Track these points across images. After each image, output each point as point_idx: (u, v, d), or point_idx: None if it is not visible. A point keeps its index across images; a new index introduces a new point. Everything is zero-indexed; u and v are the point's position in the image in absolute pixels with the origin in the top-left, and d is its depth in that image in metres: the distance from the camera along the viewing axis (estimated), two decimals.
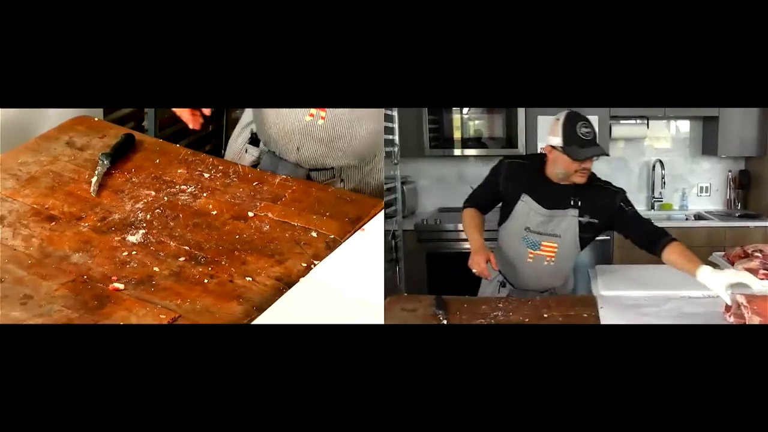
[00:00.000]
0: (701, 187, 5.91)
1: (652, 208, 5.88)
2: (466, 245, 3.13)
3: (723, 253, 3.24)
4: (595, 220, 3.02)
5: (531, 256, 3.09)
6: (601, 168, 5.74)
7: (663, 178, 5.80)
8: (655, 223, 3.00)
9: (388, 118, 4.70)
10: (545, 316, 2.64)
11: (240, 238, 2.31)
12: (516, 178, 3.08)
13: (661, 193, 5.86)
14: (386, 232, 4.54)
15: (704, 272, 2.63)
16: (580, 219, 3.01)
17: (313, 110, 2.63)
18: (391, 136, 4.72)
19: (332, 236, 2.33)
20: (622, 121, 5.65)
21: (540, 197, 3.03)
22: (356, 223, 2.39)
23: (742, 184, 5.77)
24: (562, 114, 2.94)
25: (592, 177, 3.03)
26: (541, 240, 3.05)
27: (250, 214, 2.41)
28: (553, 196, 3.02)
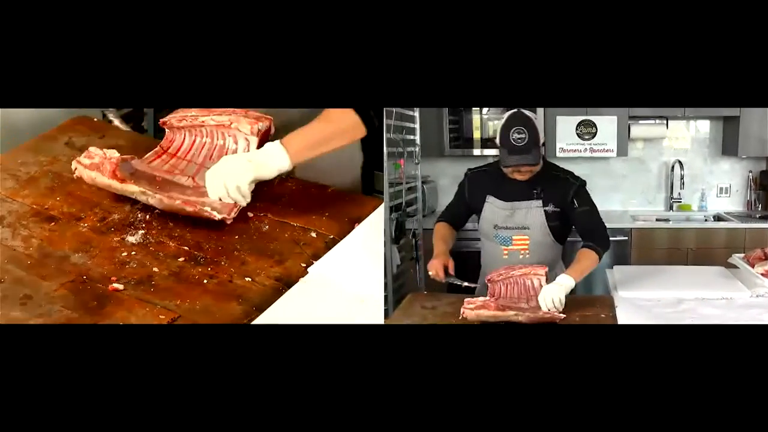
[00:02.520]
0: (721, 188, 5.85)
1: (671, 208, 5.83)
2: None
3: (743, 255, 3.21)
4: (558, 209, 3.06)
5: (505, 252, 3.13)
6: (619, 168, 5.78)
7: (682, 178, 5.75)
8: (608, 226, 3.10)
9: (409, 119, 4.70)
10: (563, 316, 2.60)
11: (239, 239, 2.29)
12: (479, 185, 3.21)
13: (680, 193, 5.80)
14: (407, 230, 4.55)
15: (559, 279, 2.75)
16: (545, 209, 3.06)
17: None
18: (412, 136, 4.73)
19: (332, 236, 2.32)
20: (641, 122, 5.61)
21: (502, 194, 3.11)
22: (356, 223, 2.37)
23: (763, 185, 5.71)
24: (506, 114, 3.01)
25: (550, 166, 3.14)
26: (512, 235, 3.10)
27: (250, 214, 2.38)
28: (515, 191, 3.09)
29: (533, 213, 3.06)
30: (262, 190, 2.46)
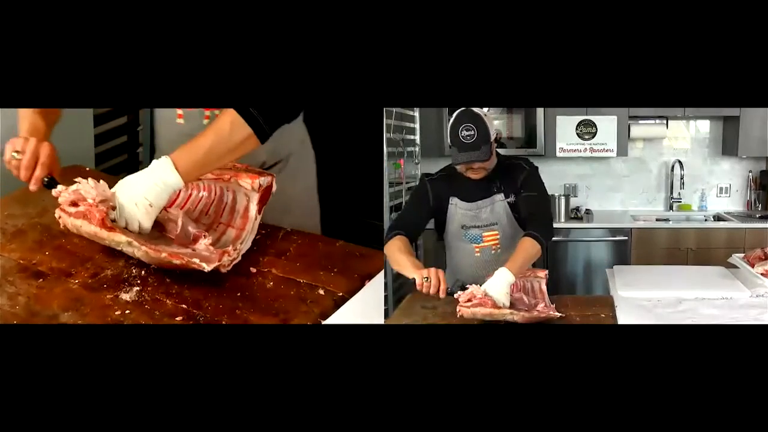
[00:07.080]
0: (721, 188, 5.86)
1: (671, 208, 5.84)
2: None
3: (743, 254, 3.21)
4: (516, 198, 3.09)
5: (477, 250, 3.16)
6: (619, 168, 5.79)
7: (682, 178, 5.76)
8: (556, 221, 3.02)
9: (409, 119, 4.71)
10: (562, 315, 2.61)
11: (241, 296, 2.13)
12: (442, 189, 3.18)
13: (680, 193, 5.81)
14: None
15: (498, 274, 2.63)
16: (508, 200, 3.09)
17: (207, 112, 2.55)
18: (412, 136, 4.74)
19: (340, 294, 2.16)
20: (641, 121, 5.61)
21: (465, 195, 3.13)
22: (366, 279, 2.23)
23: (763, 185, 5.71)
24: (455, 112, 3.03)
25: (504, 158, 3.19)
26: (482, 232, 3.13)
27: (253, 269, 2.25)
28: (476, 190, 3.11)
29: (497, 207, 3.10)
30: (266, 243, 2.35)
